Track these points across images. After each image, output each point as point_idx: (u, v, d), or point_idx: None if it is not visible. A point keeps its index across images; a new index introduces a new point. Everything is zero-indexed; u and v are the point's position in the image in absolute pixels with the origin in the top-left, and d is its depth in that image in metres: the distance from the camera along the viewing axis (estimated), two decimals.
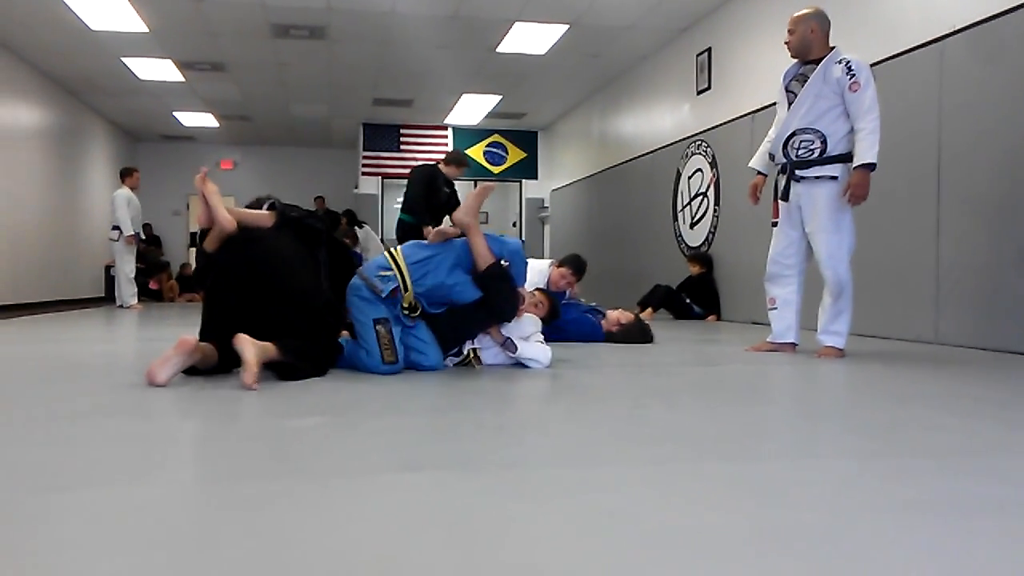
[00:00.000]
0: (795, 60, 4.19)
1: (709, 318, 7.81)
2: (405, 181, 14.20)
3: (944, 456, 1.90)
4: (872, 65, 4.41)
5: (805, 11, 4.13)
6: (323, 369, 3.16)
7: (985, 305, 4.66)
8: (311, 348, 3.09)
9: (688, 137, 8.63)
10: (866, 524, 1.32)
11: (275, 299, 3.05)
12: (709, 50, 8.18)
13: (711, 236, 8.13)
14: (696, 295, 7.96)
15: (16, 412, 2.45)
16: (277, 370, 2.99)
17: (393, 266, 3.28)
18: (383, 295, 3.21)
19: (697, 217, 8.44)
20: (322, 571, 1.10)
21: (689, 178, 8.60)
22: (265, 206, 3.27)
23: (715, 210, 8.03)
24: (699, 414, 2.50)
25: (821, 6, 4.22)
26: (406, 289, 3.25)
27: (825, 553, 1.19)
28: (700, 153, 8.35)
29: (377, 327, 3.19)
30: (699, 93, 8.43)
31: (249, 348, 2.77)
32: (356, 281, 3.30)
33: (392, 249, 3.43)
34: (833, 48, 4.06)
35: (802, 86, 4.08)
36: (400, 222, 7.31)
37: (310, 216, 3.39)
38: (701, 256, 8.10)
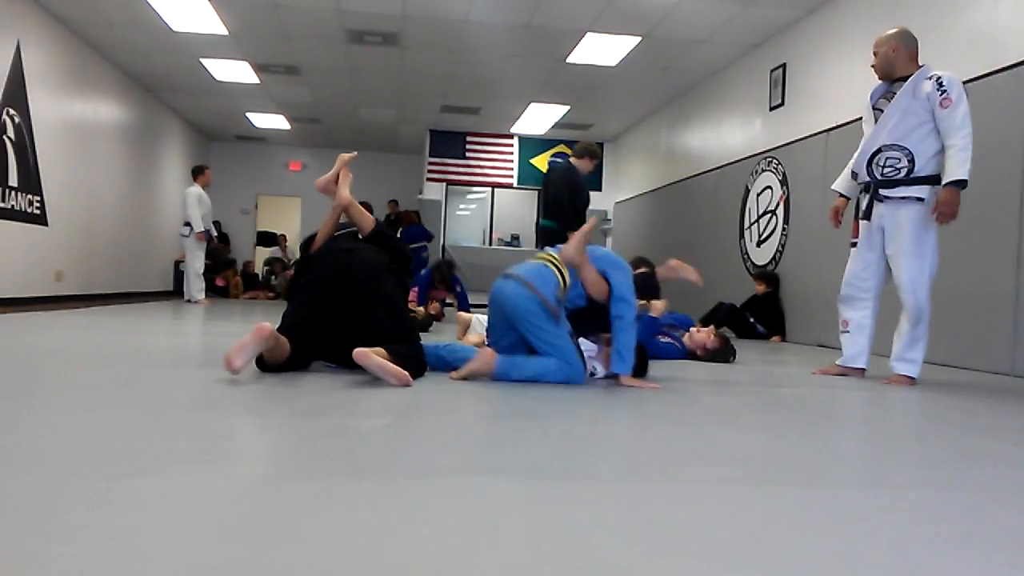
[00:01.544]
0: (882, 81, 4.09)
1: (773, 338, 7.65)
2: (469, 188, 14.52)
3: (1016, 492, 1.84)
4: None
5: (889, 31, 4.04)
6: (422, 370, 3.26)
7: None
8: (412, 351, 3.22)
9: (758, 153, 8.49)
10: (933, 557, 1.28)
11: (371, 301, 3.22)
12: (784, 66, 8.04)
13: (778, 255, 7.97)
14: (760, 314, 7.81)
15: (89, 400, 2.51)
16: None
17: (554, 270, 3.39)
18: (558, 318, 3.31)
19: (765, 235, 8.29)
20: (387, 570, 1.09)
21: (758, 195, 8.46)
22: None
23: (784, 229, 7.88)
24: (766, 436, 2.44)
25: (906, 25, 4.11)
26: (563, 285, 3.37)
27: None
28: (770, 170, 8.20)
29: (575, 340, 3.32)
30: (772, 109, 8.29)
31: (373, 358, 2.88)
32: (533, 306, 3.28)
33: (546, 251, 3.56)
34: (923, 66, 3.94)
35: (890, 104, 3.96)
36: (544, 230, 6.66)
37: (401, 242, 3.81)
38: (767, 275, 7.94)
